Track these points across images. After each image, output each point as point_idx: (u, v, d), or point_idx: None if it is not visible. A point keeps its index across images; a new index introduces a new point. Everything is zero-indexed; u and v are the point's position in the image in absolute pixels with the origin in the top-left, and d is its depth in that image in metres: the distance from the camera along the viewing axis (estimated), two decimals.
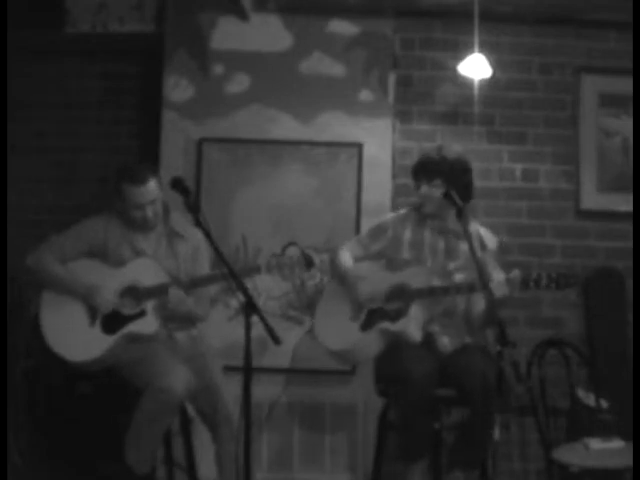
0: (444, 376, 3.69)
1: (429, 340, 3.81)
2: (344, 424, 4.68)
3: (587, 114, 4.86)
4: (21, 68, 4.96)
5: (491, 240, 3.96)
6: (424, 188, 3.87)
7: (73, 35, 4.97)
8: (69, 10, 4.97)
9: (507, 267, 3.91)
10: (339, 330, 3.88)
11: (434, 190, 3.82)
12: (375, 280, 3.86)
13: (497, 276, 3.63)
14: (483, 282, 3.47)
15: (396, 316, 3.78)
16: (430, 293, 3.75)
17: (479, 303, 3.78)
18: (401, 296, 3.80)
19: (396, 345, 3.76)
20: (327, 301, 4.03)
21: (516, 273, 3.62)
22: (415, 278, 3.79)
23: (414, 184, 3.95)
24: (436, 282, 3.77)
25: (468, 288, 3.71)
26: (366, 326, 3.82)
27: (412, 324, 3.75)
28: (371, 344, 3.82)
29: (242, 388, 3.21)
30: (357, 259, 3.97)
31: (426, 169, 3.87)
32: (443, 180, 3.81)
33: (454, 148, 4.02)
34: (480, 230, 3.96)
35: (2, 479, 3.47)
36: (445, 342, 3.83)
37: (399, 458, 3.72)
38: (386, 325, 3.78)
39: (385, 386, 3.86)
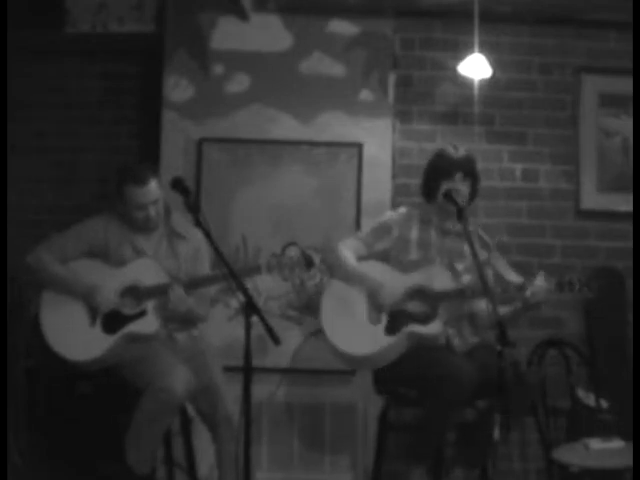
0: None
1: (447, 342, 3.78)
2: (344, 424, 4.68)
3: (587, 114, 4.86)
4: (21, 68, 4.96)
5: (489, 239, 3.96)
6: (459, 184, 3.77)
7: (73, 35, 4.97)
8: (69, 10, 4.97)
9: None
10: (360, 334, 3.74)
11: (465, 186, 3.79)
12: (388, 281, 3.77)
13: (537, 282, 3.59)
14: (484, 284, 3.45)
15: (425, 318, 3.70)
16: (459, 295, 3.70)
17: (482, 305, 3.76)
18: (425, 298, 3.73)
19: (425, 348, 3.68)
20: (335, 302, 3.86)
21: (545, 278, 3.61)
22: (435, 279, 3.73)
23: (444, 177, 3.81)
24: (454, 284, 3.72)
25: (502, 290, 3.62)
26: (392, 329, 3.71)
27: (442, 326, 3.70)
28: (398, 348, 3.71)
29: (242, 388, 3.21)
30: (360, 258, 3.86)
31: (462, 166, 3.79)
32: (472, 178, 3.81)
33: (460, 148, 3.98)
34: (478, 230, 3.96)
35: (2, 479, 3.47)
36: (458, 343, 3.80)
37: (407, 459, 3.69)
38: (416, 328, 3.69)
39: (410, 389, 3.75)
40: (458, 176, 3.78)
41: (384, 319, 3.75)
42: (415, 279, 3.76)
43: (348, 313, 3.79)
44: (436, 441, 3.61)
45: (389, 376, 3.82)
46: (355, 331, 3.76)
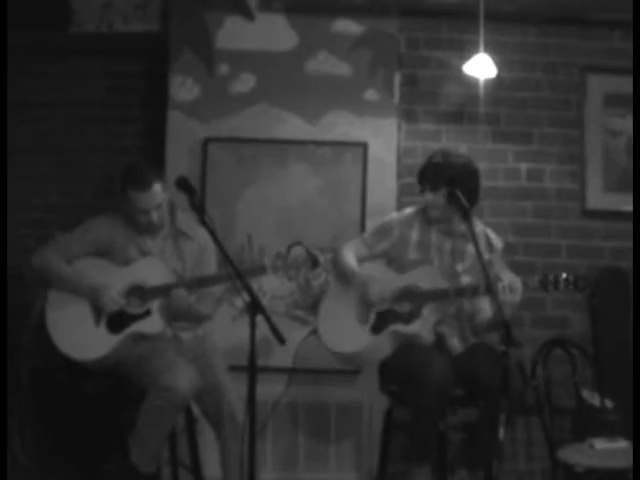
0: (455, 376, 3.66)
1: (440, 341, 3.78)
2: (349, 424, 4.68)
3: (592, 114, 4.85)
4: (26, 68, 4.96)
5: (497, 241, 3.94)
6: (428, 195, 3.81)
7: (78, 34, 4.97)
8: (74, 10, 4.97)
9: (513, 267, 3.92)
10: (347, 333, 3.80)
11: (439, 197, 3.78)
12: (382, 281, 3.79)
13: (514, 281, 3.55)
14: (488, 284, 3.45)
15: (409, 318, 3.73)
16: (443, 295, 3.69)
17: (485, 304, 3.76)
18: (412, 297, 3.75)
19: (407, 347, 3.70)
20: (331, 302, 3.95)
21: (529, 279, 3.60)
22: (424, 279, 3.74)
23: (419, 187, 3.88)
24: (444, 284, 3.72)
25: (484, 290, 3.60)
26: (377, 328, 3.76)
27: (425, 326, 3.72)
28: (382, 347, 3.76)
29: (247, 388, 3.21)
30: (361, 259, 3.90)
31: (431, 177, 3.80)
32: (447, 189, 3.75)
33: (460, 151, 3.97)
34: (487, 231, 3.94)
35: (2, 479, 3.48)
36: (455, 343, 3.81)
37: (406, 459, 3.70)
38: (399, 327, 3.72)
39: (397, 388, 3.80)
40: (429, 187, 3.80)
41: (372, 318, 3.79)
42: (407, 279, 3.78)
43: (340, 312, 3.85)
44: (425, 440, 3.62)
45: (386, 375, 3.87)
46: (343, 329, 3.83)
